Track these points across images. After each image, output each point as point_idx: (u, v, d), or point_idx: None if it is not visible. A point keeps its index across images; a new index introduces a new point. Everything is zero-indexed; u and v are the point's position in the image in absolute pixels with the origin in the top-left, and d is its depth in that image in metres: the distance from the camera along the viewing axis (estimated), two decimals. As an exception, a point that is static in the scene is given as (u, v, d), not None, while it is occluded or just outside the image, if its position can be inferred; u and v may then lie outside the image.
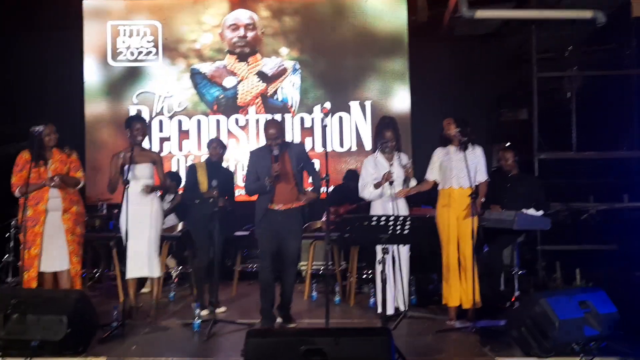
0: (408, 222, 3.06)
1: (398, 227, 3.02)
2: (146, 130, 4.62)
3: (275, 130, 4.25)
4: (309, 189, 4.49)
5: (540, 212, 4.78)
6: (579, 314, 3.39)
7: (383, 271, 3.13)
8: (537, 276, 6.19)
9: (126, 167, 4.34)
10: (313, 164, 4.61)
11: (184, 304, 5.28)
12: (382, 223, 2.99)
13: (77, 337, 3.41)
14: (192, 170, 4.94)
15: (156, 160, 4.59)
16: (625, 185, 6.75)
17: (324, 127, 3.62)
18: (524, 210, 4.67)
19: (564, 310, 3.34)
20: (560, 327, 3.27)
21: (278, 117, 7.42)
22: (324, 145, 3.77)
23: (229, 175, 5.15)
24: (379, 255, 3.13)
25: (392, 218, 3.03)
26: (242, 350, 2.40)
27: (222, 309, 4.90)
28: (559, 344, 3.30)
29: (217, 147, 5.00)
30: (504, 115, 8.52)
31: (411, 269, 4.76)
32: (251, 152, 4.48)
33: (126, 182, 4.19)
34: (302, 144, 6.71)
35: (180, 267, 6.15)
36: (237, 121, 7.46)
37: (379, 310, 3.74)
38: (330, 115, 7.28)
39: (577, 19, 6.46)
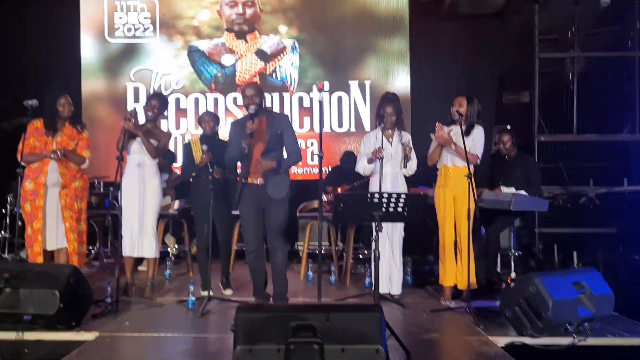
0: (402, 200, 3.02)
1: (392, 205, 2.98)
2: (158, 108, 4.58)
3: (253, 91, 4.01)
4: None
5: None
6: (573, 294, 3.38)
7: (376, 249, 3.10)
8: (534, 259, 6.18)
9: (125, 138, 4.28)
10: (294, 135, 4.25)
11: (180, 281, 5.27)
12: (375, 200, 2.96)
13: (70, 312, 3.41)
14: (187, 147, 4.87)
15: (161, 138, 4.53)
16: (625, 168, 6.71)
17: (320, 103, 3.53)
18: (504, 188, 4.63)
19: (558, 290, 3.32)
20: (554, 307, 3.25)
21: (276, 96, 7.37)
22: (321, 121, 3.71)
23: (225, 146, 5.02)
24: (374, 234, 3.11)
25: (385, 195, 3.00)
26: (232, 325, 2.38)
27: (229, 292, 4.74)
28: (552, 324, 3.29)
29: (210, 121, 4.85)
30: (506, 97, 8.44)
31: (407, 250, 4.74)
32: (231, 124, 4.23)
33: (120, 158, 4.15)
34: (285, 115, 6.37)
35: (177, 245, 6.14)
36: (235, 100, 7.38)
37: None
38: (328, 93, 7.22)
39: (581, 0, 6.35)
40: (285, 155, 4.17)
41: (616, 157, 6.87)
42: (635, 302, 4.00)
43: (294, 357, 2.27)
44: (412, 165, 4.47)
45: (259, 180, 3.98)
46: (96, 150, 6.78)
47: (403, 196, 3.05)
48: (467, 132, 4.26)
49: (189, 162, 4.78)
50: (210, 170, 4.39)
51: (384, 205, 2.97)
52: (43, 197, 4.34)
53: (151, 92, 5.13)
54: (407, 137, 4.53)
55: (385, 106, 4.49)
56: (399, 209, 3.02)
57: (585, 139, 6.63)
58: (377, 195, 2.97)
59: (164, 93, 7.31)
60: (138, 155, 4.45)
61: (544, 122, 6.82)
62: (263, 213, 4.02)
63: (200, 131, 4.97)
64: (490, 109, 7.98)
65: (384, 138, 4.44)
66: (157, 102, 4.57)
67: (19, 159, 4.35)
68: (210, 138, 4.78)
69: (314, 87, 7.25)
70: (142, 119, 4.63)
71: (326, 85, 7.29)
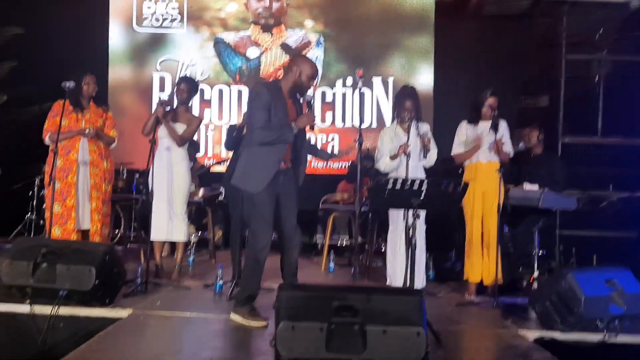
0: (445, 186, 3.04)
1: (429, 191, 2.99)
2: (189, 91, 4.61)
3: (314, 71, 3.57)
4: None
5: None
6: (605, 291, 3.38)
7: (413, 236, 3.12)
8: (554, 260, 6.17)
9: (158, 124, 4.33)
10: None
11: (203, 267, 5.32)
12: (415, 188, 2.98)
13: (105, 289, 3.46)
14: (232, 127, 4.83)
15: (191, 123, 4.57)
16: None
17: (359, 90, 3.54)
18: (527, 185, 4.62)
19: (590, 286, 3.33)
20: (586, 303, 3.26)
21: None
22: (361, 111, 3.67)
23: None
24: (410, 220, 3.13)
25: (424, 181, 3.01)
26: (274, 303, 2.42)
27: None
28: (583, 320, 3.29)
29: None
30: (524, 101, 8.43)
31: (428, 247, 4.75)
32: (264, 85, 3.73)
33: (152, 141, 4.20)
34: None
35: (199, 232, 6.19)
36: (259, 93, 7.42)
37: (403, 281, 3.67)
38: (351, 88, 7.26)
39: (610, 2, 6.32)
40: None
41: (639, 162, 6.83)
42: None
43: (336, 337, 2.30)
44: (432, 156, 4.44)
45: (288, 164, 3.65)
46: (121, 137, 6.83)
47: (445, 182, 3.06)
48: (495, 127, 4.27)
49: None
50: None
51: (423, 192, 2.99)
52: (76, 173, 4.40)
53: (182, 76, 5.09)
54: (424, 127, 4.48)
55: (404, 101, 4.47)
56: (438, 196, 3.04)
57: (610, 142, 6.59)
58: (417, 182, 3.00)
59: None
60: (167, 139, 4.50)
61: (567, 125, 6.79)
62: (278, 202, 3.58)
63: (225, 121, 4.95)
64: (511, 112, 8.00)
65: (404, 132, 4.38)
66: (187, 85, 4.62)
67: (46, 137, 4.41)
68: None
69: (340, 85, 7.29)
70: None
71: (349, 80, 7.34)
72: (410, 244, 3.13)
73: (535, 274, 5.20)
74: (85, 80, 4.45)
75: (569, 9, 6.62)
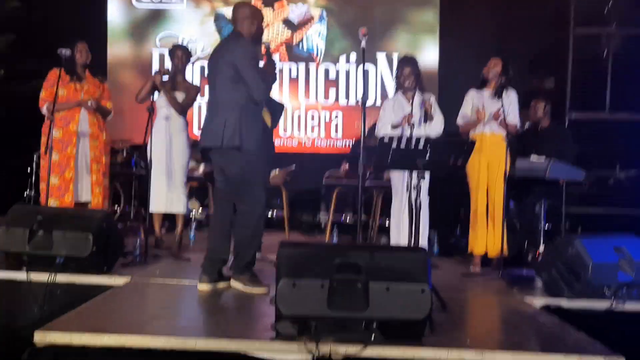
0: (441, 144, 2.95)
1: (436, 149, 2.91)
2: (185, 59, 4.52)
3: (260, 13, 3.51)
4: None
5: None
6: (613, 258, 3.30)
7: (417, 198, 3.04)
8: (560, 236, 6.08)
9: (156, 92, 4.24)
10: None
11: (205, 243, 5.21)
12: (420, 147, 2.90)
13: (102, 256, 3.40)
14: None
15: (189, 91, 4.49)
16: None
17: (362, 50, 3.43)
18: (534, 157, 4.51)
19: (598, 253, 3.25)
20: (594, 269, 3.18)
21: (302, 66, 7.29)
22: (364, 65, 3.56)
23: (276, 103, 4.78)
24: (415, 181, 3.05)
25: (430, 140, 2.92)
26: (275, 261, 2.35)
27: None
28: (590, 287, 3.22)
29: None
30: (530, 83, 8.30)
31: (433, 224, 4.66)
32: (248, 41, 3.37)
33: (150, 109, 4.11)
34: None
35: (202, 208, 6.13)
36: (261, 68, 7.32)
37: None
38: (355, 64, 7.16)
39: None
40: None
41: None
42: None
43: (338, 294, 2.23)
44: (437, 125, 4.33)
45: None
46: (121, 114, 6.83)
47: (448, 142, 2.97)
48: (500, 94, 4.17)
49: None
50: None
51: (428, 152, 2.90)
52: (75, 145, 4.32)
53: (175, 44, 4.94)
54: (427, 95, 4.39)
55: (403, 68, 4.38)
56: (443, 156, 2.95)
57: (618, 117, 6.49)
58: (422, 142, 2.91)
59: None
60: (165, 109, 4.42)
61: (574, 103, 6.68)
62: None
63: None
64: (518, 90, 7.88)
65: (407, 101, 4.29)
66: (183, 52, 4.53)
67: (43, 107, 4.31)
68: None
69: (344, 60, 7.18)
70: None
71: (352, 56, 7.24)
72: (415, 204, 3.05)
73: (541, 248, 5.12)
74: (78, 47, 4.36)
75: (579, -18, 6.48)
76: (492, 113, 4.16)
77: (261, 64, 3.43)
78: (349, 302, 2.22)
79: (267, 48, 3.53)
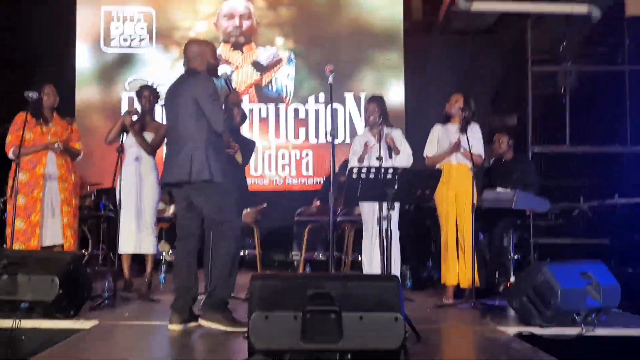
0: (415, 176, 3.01)
1: (404, 179, 2.96)
2: (153, 99, 4.53)
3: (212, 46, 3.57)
4: None
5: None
6: (581, 284, 3.36)
7: (387, 229, 3.07)
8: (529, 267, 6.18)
9: (124, 133, 4.22)
10: None
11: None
12: (389, 176, 2.95)
13: (69, 300, 3.30)
14: None
15: (158, 130, 4.49)
16: (616, 182, 6.81)
17: (330, 86, 3.51)
18: (500, 189, 4.62)
19: (566, 279, 3.30)
20: (563, 295, 3.23)
21: (272, 106, 7.39)
22: (331, 100, 3.63)
23: (248, 140, 4.80)
24: (384, 212, 3.08)
25: (398, 171, 2.98)
26: (246, 294, 2.32)
27: None
28: (560, 313, 3.26)
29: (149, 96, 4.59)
30: (493, 120, 8.58)
31: (405, 259, 4.70)
32: (205, 74, 3.39)
33: (119, 150, 4.09)
34: None
35: (172, 250, 6.03)
36: (230, 110, 7.38)
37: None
38: (323, 104, 7.30)
39: (572, 14, 6.52)
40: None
41: (608, 170, 6.97)
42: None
43: (311, 325, 2.21)
44: (403, 159, 4.40)
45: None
46: (88, 157, 6.73)
47: (416, 172, 3.03)
48: (464, 129, 4.30)
49: None
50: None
51: (396, 182, 2.95)
52: (42, 188, 4.25)
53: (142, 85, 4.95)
54: (394, 132, 4.50)
55: (369, 105, 4.53)
56: (411, 186, 3.00)
57: (578, 150, 6.73)
58: (390, 171, 2.96)
59: (160, 102, 7.31)
60: (135, 149, 4.40)
61: (536, 138, 6.91)
62: None
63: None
64: (483, 128, 8.12)
65: (374, 137, 4.41)
66: (149, 92, 4.55)
67: (9, 152, 4.26)
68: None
69: (312, 100, 7.33)
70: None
71: (321, 96, 7.38)
72: (385, 234, 3.08)
73: (512, 279, 5.19)
74: (45, 90, 4.34)
75: (533, 23, 6.80)
76: (453, 143, 4.27)
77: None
78: (322, 333, 2.21)
79: (226, 79, 3.55)
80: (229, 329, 3.14)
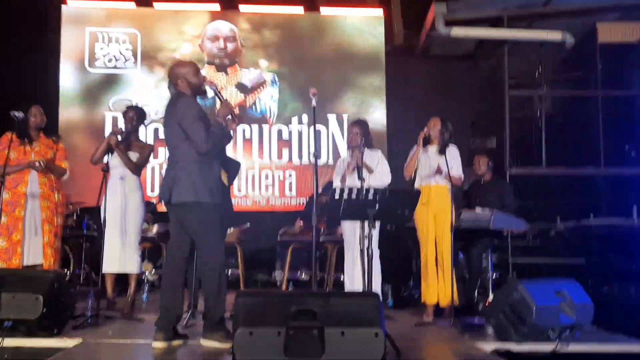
0: (394, 196, 3.12)
1: (384, 199, 3.06)
2: (137, 119, 4.57)
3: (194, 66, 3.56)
4: None
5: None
6: (555, 301, 3.48)
7: (369, 247, 3.16)
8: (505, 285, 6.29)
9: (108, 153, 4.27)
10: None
11: (158, 304, 5.14)
12: (370, 197, 3.05)
13: (53, 318, 3.32)
14: None
15: (143, 150, 4.54)
16: (591, 202, 7.01)
17: (313, 108, 3.63)
18: (479, 209, 4.75)
19: (541, 296, 3.42)
20: (538, 312, 3.34)
21: (255, 128, 7.49)
22: (314, 121, 3.74)
23: (233, 160, 4.69)
24: (366, 231, 3.18)
25: (379, 190, 3.08)
26: (231, 311, 2.38)
27: None
28: (536, 330, 3.36)
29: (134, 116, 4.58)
30: (473, 142, 8.79)
31: (386, 278, 4.79)
32: (186, 98, 3.45)
33: (105, 169, 4.14)
34: None
35: (154, 270, 6.04)
36: (214, 130, 7.46)
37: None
38: (307, 125, 7.43)
39: (547, 41, 6.76)
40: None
41: (583, 192, 7.18)
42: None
43: (294, 341, 2.28)
44: (379, 177, 4.48)
45: None
46: (72, 177, 6.74)
47: (395, 192, 3.14)
48: (442, 151, 4.43)
49: None
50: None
51: (377, 202, 3.05)
52: (24, 207, 4.26)
53: (129, 105, 4.99)
54: (374, 152, 4.61)
55: (351, 128, 4.67)
56: (391, 206, 3.11)
57: (554, 172, 6.92)
58: (371, 192, 3.06)
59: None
60: (120, 169, 4.44)
61: (513, 160, 7.10)
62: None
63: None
64: (461, 152, 8.31)
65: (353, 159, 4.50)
66: (134, 113, 4.59)
67: None
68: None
69: (296, 122, 7.45)
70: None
71: (304, 118, 7.51)
72: (367, 252, 3.17)
73: (490, 297, 5.30)
74: (32, 111, 4.39)
75: (510, 49, 7.04)
76: (435, 168, 4.40)
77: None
78: (305, 348, 2.27)
79: (216, 91, 3.61)
80: (227, 345, 3.12)
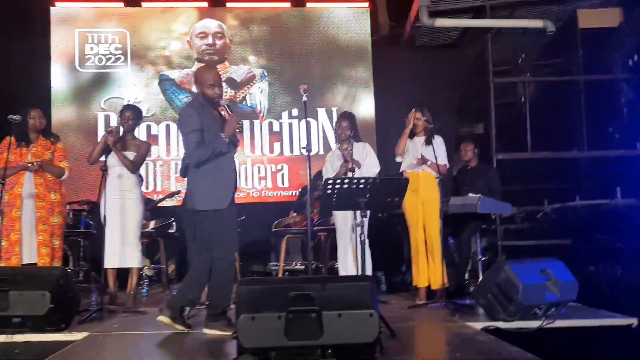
0: (383, 184, 3.26)
1: (374, 188, 3.21)
2: (133, 119, 4.67)
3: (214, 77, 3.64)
4: None
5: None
6: (540, 280, 3.65)
7: (362, 233, 3.32)
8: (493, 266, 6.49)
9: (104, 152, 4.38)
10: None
11: (158, 298, 5.30)
12: (361, 186, 3.19)
13: (60, 314, 3.44)
14: None
15: (140, 148, 4.66)
16: (577, 185, 7.20)
17: (304, 103, 3.77)
18: (471, 195, 4.93)
19: (526, 276, 3.59)
20: (524, 291, 3.51)
21: (247, 122, 7.59)
22: (306, 117, 3.89)
23: None
24: (358, 219, 3.33)
25: (369, 180, 3.23)
26: (234, 298, 2.53)
27: None
28: (523, 308, 3.54)
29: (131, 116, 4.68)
30: (461, 129, 8.95)
31: (378, 266, 4.95)
32: (190, 105, 3.68)
33: (104, 169, 4.26)
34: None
35: (153, 265, 6.17)
36: (206, 126, 7.57)
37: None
38: (297, 119, 7.56)
39: (529, 28, 6.91)
40: None
41: (568, 175, 7.36)
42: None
43: (294, 324, 2.43)
44: (367, 169, 4.57)
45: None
46: (69, 178, 6.87)
47: (384, 181, 3.29)
48: (429, 141, 4.59)
49: None
50: None
51: (367, 191, 3.20)
52: (19, 207, 4.38)
53: (125, 104, 5.08)
54: (362, 145, 4.74)
55: (340, 121, 4.80)
56: (381, 195, 3.26)
57: (539, 156, 7.08)
58: (362, 181, 3.21)
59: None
60: (118, 167, 4.55)
61: (500, 145, 7.26)
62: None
63: (172, 156, 4.81)
64: (449, 137, 8.48)
65: (341, 153, 4.65)
66: (131, 112, 4.69)
67: None
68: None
69: (286, 116, 7.57)
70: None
71: (294, 111, 7.64)
72: (360, 239, 3.33)
73: (481, 279, 5.49)
74: (30, 114, 4.49)
75: (493, 38, 7.18)
76: (418, 159, 4.57)
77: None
78: (305, 331, 2.43)
79: (225, 107, 3.67)
80: (227, 333, 3.26)
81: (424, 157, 4.47)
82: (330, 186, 3.21)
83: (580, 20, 6.99)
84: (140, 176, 4.77)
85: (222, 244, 3.50)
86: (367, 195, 3.21)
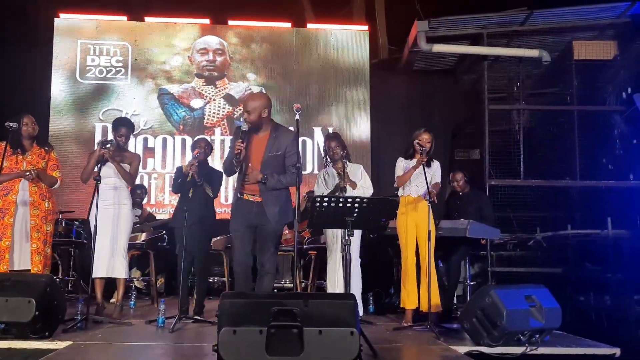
0: (371, 204, 3.29)
1: (362, 208, 3.24)
2: (127, 136, 4.72)
3: (256, 102, 3.87)
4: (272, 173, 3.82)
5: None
6: (525, 306, 3.66)
7: (347, 252, 3.34)
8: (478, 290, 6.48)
9: (99, 164, 4.41)
10: (296, 156, 3.94)
11: (145, 310, 5.29)
12: (348, 205, 3.22)
13: (44, 321, 3.43)
14: (179, 169, 4.95)
15: (133, 161, 4.70)
16: (568, 214, 7.24)
17: (297, 121, 3.84)
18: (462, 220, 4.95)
19: (511, 301, 3.60)
20: (508, 316, 3.51)
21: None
22: (296, 137, 3.96)
23: (216, 172, 4.97)
24: (346, 237, 3.34)
25: (357, 200, 3.26)
26: (217, 311, 2.54)
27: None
28: (507, 333, 3.54)
29: (205, 146, 4.92)
30: (457, 154, 9.02)
31: (368, 287, 4.96)
32: (236, 129, 3.90)
33: (98, 179, 4.28)
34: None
35: (143, 278, 6.16)
36: (203, 141, 7.62)
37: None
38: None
39: (525, 57, 7.02)
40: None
41: (560, 203, 7.41)
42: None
43: (275, 339, 2.44)
44: (360, 192, 4.61)
45: (254, 197, 3.84)
46: (63, 188, 6.88)
47: (373, 201, 3.32)
48: (428, 164, 4.63)
49: (176, 178, 4.88)
50: (199, 182, 4.57)
51: (356, 210, 3.23)
52: (13, 214, 4.38)
53: (119, 118, 5.10)
54: (355, 167, 4.79)
55: (329, 142, 4.83)
56: (369, 214, 3.28)
57: (532, 183, 7.14)
58: (349, 200, 3.24)
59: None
60: (113, 178, 4.58)
61: (493, 172, 7.32)
62: (255, 232, 3.87)
63: (168, 169, 4.92)
64: (444, 162, 8.53)
65: (338, 172, 4.67)
66: (126, 130, 4.73)
67: None
68: (201, 162, 4.78)
69: (292, 128, 7.59)
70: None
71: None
72: (345, 258, 3.34)
73: (466, 303, 5.49)
74: (24, 121, 4.51)
75: (489, 65, 7.29)
76: (421, 180, 4.58)
77: None
78: (285, 347, 2.44)
79: (237, 128, 3.88)
80: None
81: (430, 191, 4.43)
82: (318, 203, 3.24)
83: (575, 52, 7.12)
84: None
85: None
86: (355, 214, 3.23)
